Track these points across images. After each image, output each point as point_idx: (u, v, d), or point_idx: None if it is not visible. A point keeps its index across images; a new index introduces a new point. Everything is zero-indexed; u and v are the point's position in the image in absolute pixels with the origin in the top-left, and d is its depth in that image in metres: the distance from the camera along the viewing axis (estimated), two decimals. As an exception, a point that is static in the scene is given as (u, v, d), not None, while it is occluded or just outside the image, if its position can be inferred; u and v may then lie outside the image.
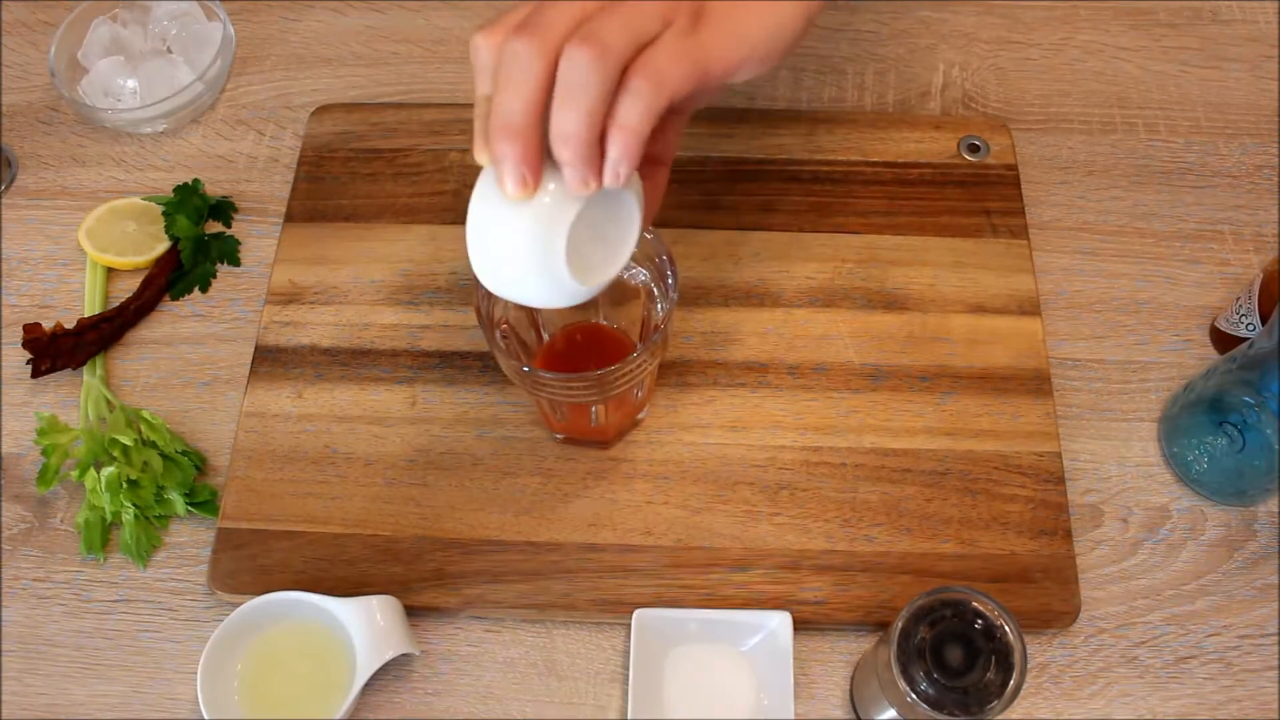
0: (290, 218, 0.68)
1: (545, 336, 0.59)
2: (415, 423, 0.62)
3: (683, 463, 0.60)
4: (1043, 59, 0.76)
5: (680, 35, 0.43)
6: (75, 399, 0.64)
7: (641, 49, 0.42)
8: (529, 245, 0.44)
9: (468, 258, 0.46)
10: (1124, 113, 0.73)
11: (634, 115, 0.42)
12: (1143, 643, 0.57)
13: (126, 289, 0.67)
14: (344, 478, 0.60)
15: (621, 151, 0.42)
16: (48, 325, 0.65)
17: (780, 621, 0.55)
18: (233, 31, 0.75)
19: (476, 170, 0.45)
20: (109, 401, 0.62)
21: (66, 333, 0.64)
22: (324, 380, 0.63)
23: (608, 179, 0.43)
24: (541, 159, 0.42)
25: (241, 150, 0.73)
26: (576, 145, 0.41)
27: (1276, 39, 0.76)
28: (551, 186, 0.43)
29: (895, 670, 0.45)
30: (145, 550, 0.59)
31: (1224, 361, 0.58)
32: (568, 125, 0.41)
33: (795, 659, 0.55)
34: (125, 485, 0.59)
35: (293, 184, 0.70)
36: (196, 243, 0.68)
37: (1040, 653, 0.57)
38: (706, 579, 0.57)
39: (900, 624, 0.46)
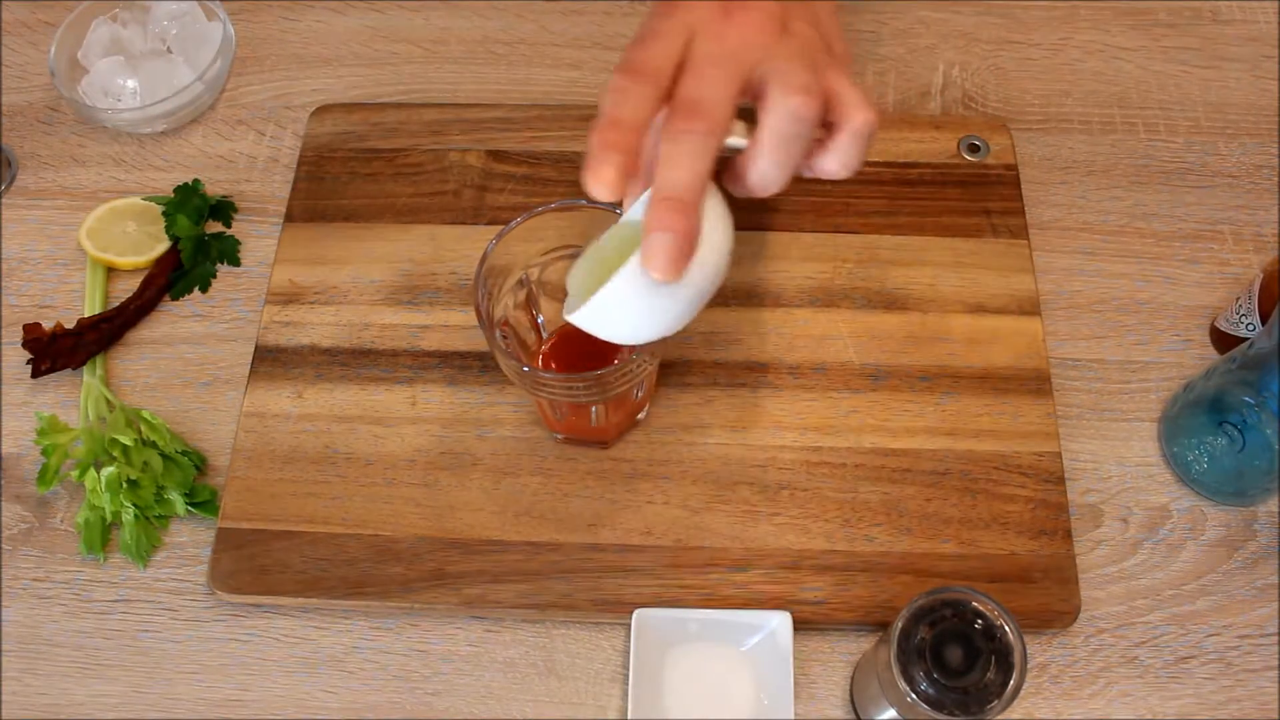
0: (290, 218, 0.68)
1: (545, 336, 0.59)
2: (415, 423, 0.62)
3: (683, 463, 0.60)
4: (1043, 59, 0.76)
5: (838, 65, 0.47)
6: (75, 399, 0.64)
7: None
8: (676, 313, 0.46)
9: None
10: (1124, 113, 0.73)
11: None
12: (1143, 643, 0.57)
13: (126, 289, 0.67)
14: (344, 478, 0.60)
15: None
16: (48, 325, 0.65)
17: (780, 621, 0.55)
18: (233, 31, 0.75)
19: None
20: (109, 401, 0.62)
21: (66, 333, 0.64)
22: (324, 380, 0.63)
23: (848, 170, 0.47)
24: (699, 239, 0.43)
25: (241, 150, 0.73)
26: (780, 187, 0.45)
27: (1276, 39, 0.76)
28: (714, 262, 0.45)
29: (895, 670, 0.45)
30: (145, 550, 0.59)
31: (1224, 361, 0.58)
32: (779, 171, 0.44)
33: (795, 659, 0.55)
34: (125, 485, 0.59)
35: (293, 184, 0.70)
36: (196, 243, 0.68)
37: (1040, 653, 0.57)
38: (706, 579, 0.57)
39: (900, 624, 0.46)
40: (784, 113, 0.42)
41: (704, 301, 0.46)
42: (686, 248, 0.42)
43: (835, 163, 0.46)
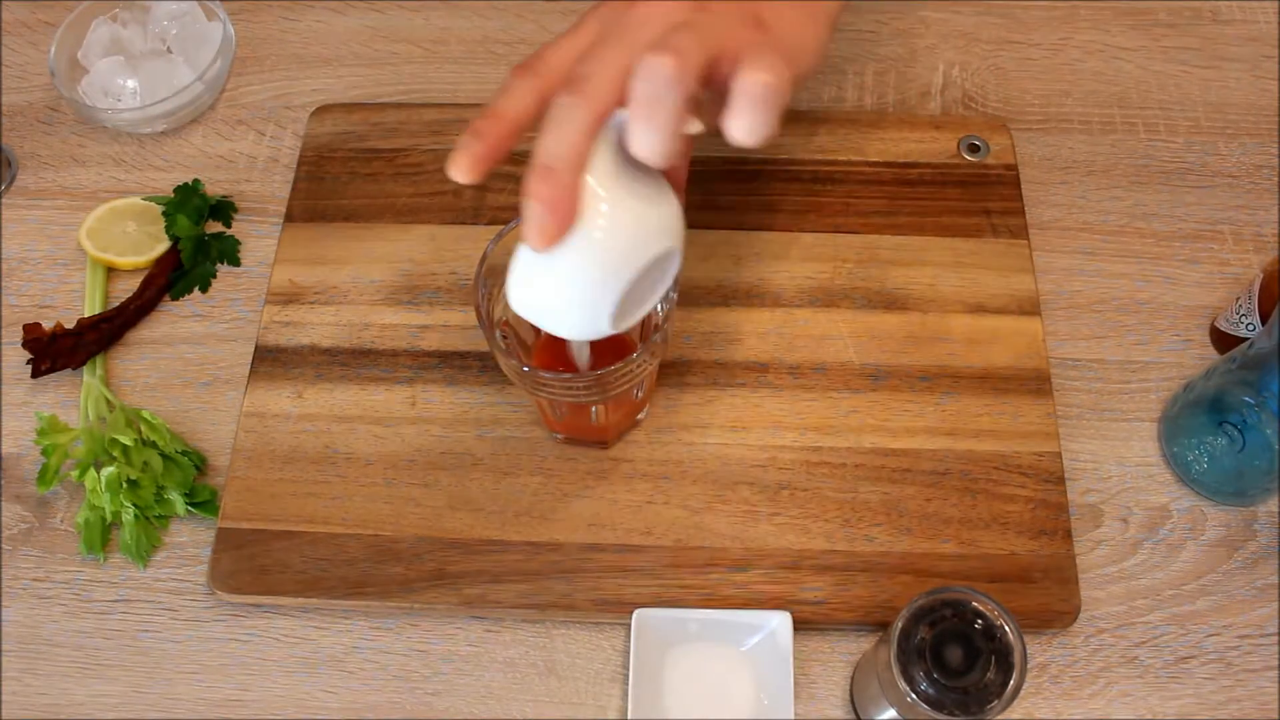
0: (290, 218, 0.68)
1: (545, 336, 0.59)
2: (415, 423, 0.62)
3: (683, 463, 0.60)
4: (1043, 59, 0.76)
5: (762, 44, 0.45)
6: (75, 399, 0.64)
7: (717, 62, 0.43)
8: (583, 294, 0.44)
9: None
10: (1124, 113, 0.73)
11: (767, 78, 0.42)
12: (1143, 643, 0.57)
13: (126, 289, 0.67)
14: (344, 478, 0.60)
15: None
16: (48, 325, 0.65)
17: (780, 621, 0.55)
18: (233, 31, 0.75)
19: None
20: (109, 401, 0.62)
21: (66, 333, 0.64)
22: (324, 380, 0.63)
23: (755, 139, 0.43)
24: (575, 210, 0.42)
25: (241, 150, 0.73)
26: (662, 155, 0.42)
27: (1276, 39, 0.76)
28: (618, 238, 0.43)
29: (895, 670, 0.45)
30: (145, 550, 0.59)
31: (1224, 361, 0.58)
32: (653, 135, 0.42)
33: (795, 659, 0.55)
34: (125, 485, 0.59)
35: (293, 184, 0.70)
36: (196, 243, 0.68)
37: (1040, 653, 0.57)
38: (706, 579, 0.57)
39: (900, 624, 0.46)
40: (645, 71, 0.42)
41: (626, 285, 0.44)
42: (556, 215, 0.42)
43: (736, 129, 0.43)
